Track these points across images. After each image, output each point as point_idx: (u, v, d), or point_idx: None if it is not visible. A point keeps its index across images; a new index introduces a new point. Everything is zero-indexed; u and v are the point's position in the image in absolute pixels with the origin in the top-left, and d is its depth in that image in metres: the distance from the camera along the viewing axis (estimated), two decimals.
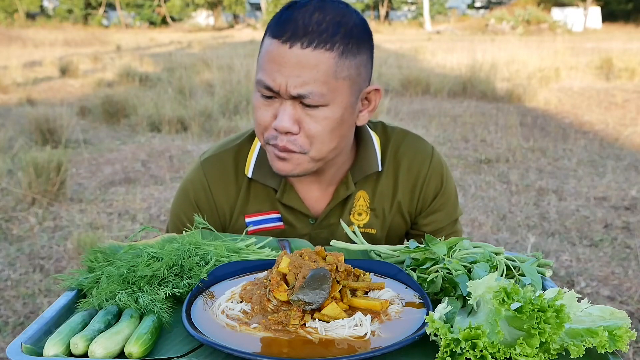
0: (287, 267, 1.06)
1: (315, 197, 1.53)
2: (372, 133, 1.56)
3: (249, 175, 1.51)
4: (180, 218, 1.56)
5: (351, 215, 1.54)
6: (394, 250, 1.31)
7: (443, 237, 1.34)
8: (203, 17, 51.32)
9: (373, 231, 1.56)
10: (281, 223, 1.53)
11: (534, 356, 0.86)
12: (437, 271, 1.14)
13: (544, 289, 1.11)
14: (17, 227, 4.68)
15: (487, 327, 0.88)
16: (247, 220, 1.53)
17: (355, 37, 1.30)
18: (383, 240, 1.58)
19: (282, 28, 1.28)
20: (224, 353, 0.92)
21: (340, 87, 1.30)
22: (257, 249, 1.34)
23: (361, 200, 1.54)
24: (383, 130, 1.58)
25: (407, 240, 1.63)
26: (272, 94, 1.30)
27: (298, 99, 1.29)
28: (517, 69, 12.59)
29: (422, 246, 1.23)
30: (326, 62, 1.27)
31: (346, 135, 1.40)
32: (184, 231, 1.39)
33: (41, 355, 0.92)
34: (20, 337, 0.95)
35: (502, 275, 1.13)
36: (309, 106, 1.29)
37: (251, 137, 1.57)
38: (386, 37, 28.69)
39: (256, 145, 1.54)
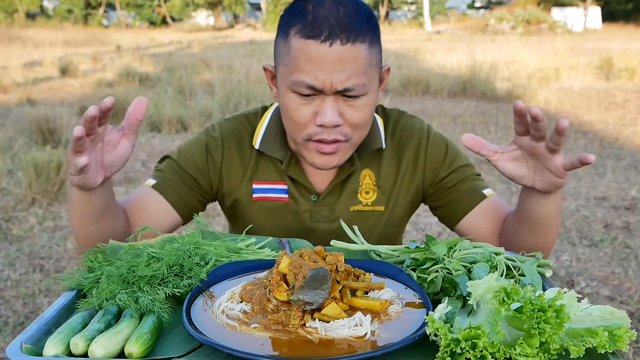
0: (287, 267, 1.06)
1: (319, 173, 1.57)
2: (375, 114, 1.62)
3: (256, 146, 1.57)
4: (183, 153, 1.59)
5: (358, 194, 1.58)
6: (394, 250, 1.31)
7: (469, 187, 1.53)
8: (203, 17, 51.33)
9: (381, 208, 1.59)
10: (286, 195, 1.57)
11: (534, 356, 0.86)
12: (437, 271, 1.14)
13: (544, 289, 1.11)
14: (17, 227, 4.68)
15: (487, 327, 0.88)
16: (255, 186, 1.58)
17: (374, 24, 1.38)
18: (392, 219, 1.61)
19: (316, 28, 1.31)
20: (224, 353, 0.92)
21: (373, 74, 1.39)
22: (257, 249, 1.34)
23: (367, 178, 1.58)
24: (383, 112, 1.65)
25: (432, 210, 1.66)
26: (313, 92, 1.35)
27: (341, 92, 1.34)
28: (517, 69, 12.58)
29: (422, 246, 1.23)
30: (362, 54, 1.33)
31: (373, 116, 1.49)
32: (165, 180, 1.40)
33: (41, 355, 0.92)
34: (20, 337, 0.95)
35: (502, 275, 1.13)
36: (350, 98, 1.36)
37: (263, 110, 1.63)
38: (386, 37, 28.66)
39: (266, 119, 1.60)
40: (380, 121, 1.61)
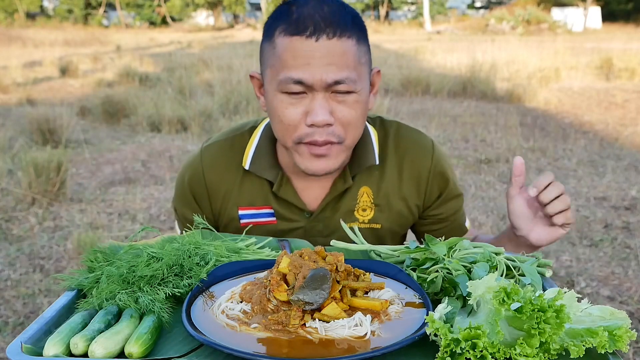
0: (287, 267, 1.06)
1: (312, 191, 1.54)
2: (370, 127, 1.58)
3: (246, 167, 1.53)
4: (177, 201, 1.62)
5: (355, 212, 1.55)
6: (394, 250, 1.31)
7: (453, 222, 1.59)
8: (203, 17, 51.34)
9: (378, 226, 1.57)
10: (274, 218, 1.55)
11: (534, 356, 0.86)
12: (437, 271, 1.14)
13: (544, 289, 1.11)
14: (17, 227, 4.68)
15: (487, 327, 0.88)
16: (240, 212, 1.55)
17: (360, 24, 1.36)
18: (388, 235, 1.59)
19: (301, 25, 1.29)
20: (224, 353, 0.92)
21: (363, 72, 1.35)
22: (257, 249, 1.34)
23: (365, 196, 1.55)
24: (381, 124, 1.60)
25: (415, 232, 1.69)
26: (302, 89, 1.31)
27: (331, 87, 1.31)
28: (517, 69, 12.58)
29: (422, 246, 1.23)
30: (350, 49, 1.31)
31: (365, 119, 1.45)
32: (185, 230, 1.40)
33: (41, 355, 0.92)
34: (20, 337, 0.95)
35: (502, 275, 1.13)
36: (340, 95, 1.33)
37: (252, 129, 1.58)
38: (386, 37, 28.67)
39: (255, 137, 1.56)
40: (374, 135, 1.56)
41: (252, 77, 1.46)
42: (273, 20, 1.35)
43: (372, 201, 1.55)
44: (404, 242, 1.62)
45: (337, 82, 1.30)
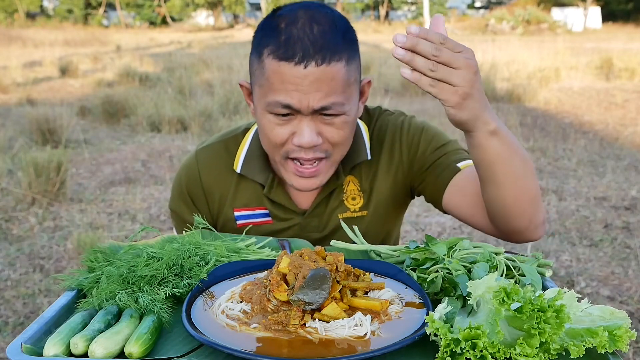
0: (287, 267, 1.06)
1: (304, 192, 1.53)
2: (360, 122, 1.57)
3: (238, 170, 1.54)
4: (175, 202, 1.61)
5: (345, 201, 1.55)
6: (394, 250, 1.31)
7: (452, 162, 1.44)
8: (203, 17, 51.35)
9: (365, 213, 1.56)
10: (269, 218, 1.56)
11: (534, 356, 0.86)
12: (437, 271, 1.14)
13: (544, 289, 1.11)
14: (17, 227, 4.68)
15: (487, 327, 0.88)
16: (236, 214, 1.56)
17: (350, 39, 1.34)
18: (376, 221, 1.57)
19: (289, 50, 1.27)
20: (224, 353, 0.92)
21: (352, 91, 1.35)
22: (257, 249, 1.34)
23: (351, 184, 1.56)
24: (367, 114, 1.60)
25: (425, 198, 1.58)
26: (290, 112, 1.31)
27: (319, 111, 1.31)
28: (517, 69, 12.58)
29: (422, 246, 1.23)
30: (339, 73, 1.29)
31: (354, 132, 1.45)
32: (183, 230, 1.40)
33: (41, 355, 0.92)
34: (20, 337, 0.95)
35: (502, 275, 1.13)
36: (328, 117, 1.32)
37: (245, 131, 1.59)
38: (386, 37, 28.63)
39: (247, 140, 1.57)
40: (364, 129, 1.56)
41: (241, 85, 1.47)
42: (262, 36, 1.33)
43: (358, 189, 1.56)
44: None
45: (324, 108, 1.30)
